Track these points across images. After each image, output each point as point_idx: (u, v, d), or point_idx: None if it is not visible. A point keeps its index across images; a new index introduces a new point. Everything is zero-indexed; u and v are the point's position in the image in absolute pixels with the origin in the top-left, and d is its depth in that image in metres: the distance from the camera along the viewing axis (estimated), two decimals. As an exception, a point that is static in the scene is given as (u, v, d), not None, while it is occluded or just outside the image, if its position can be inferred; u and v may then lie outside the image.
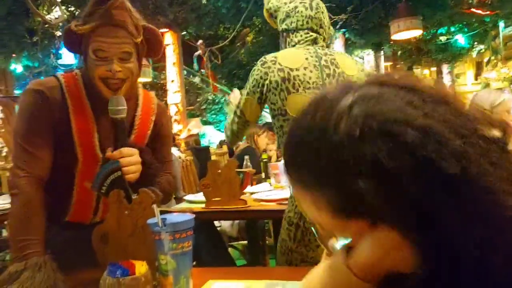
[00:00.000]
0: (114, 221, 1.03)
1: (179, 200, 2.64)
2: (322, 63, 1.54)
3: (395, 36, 6.15)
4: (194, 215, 0.93)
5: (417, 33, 6.31)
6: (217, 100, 11.91)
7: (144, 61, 6.16)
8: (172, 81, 9.12)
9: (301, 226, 1.46)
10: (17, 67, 8.77)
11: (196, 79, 11.81)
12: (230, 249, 3.20)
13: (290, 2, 1.64)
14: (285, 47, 1.64)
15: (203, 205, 2.17)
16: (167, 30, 8.86)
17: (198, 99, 11.93)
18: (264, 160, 3.07)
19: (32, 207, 1.06)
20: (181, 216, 0.92)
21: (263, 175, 3.01)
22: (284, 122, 1.50)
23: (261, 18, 12.75)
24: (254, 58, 14.27)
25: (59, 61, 9.31)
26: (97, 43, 1.09)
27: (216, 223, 3.11)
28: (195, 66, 9.74)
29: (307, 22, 1.59)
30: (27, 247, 1.01)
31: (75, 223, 1.21)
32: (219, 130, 11.61)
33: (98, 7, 1.09)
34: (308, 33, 1.60)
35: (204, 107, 11.89)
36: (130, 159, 1.10)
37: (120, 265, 0.87)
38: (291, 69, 1.49)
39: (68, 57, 9.26)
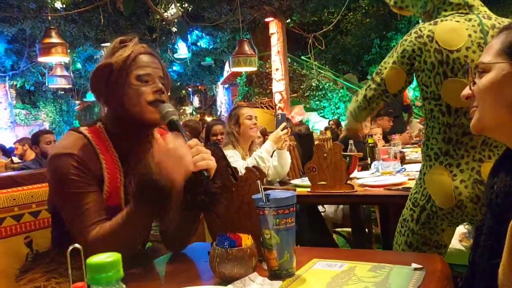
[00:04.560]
0: (223, 197, 1.09)
1: (283, 184, 2.68)
2: (488, 39, 1.33)
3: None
4: (296, 192, 0.94)
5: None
6: (320, 87, 11.77)
7: (250, 51, 6.33)
8: (277, 69, 9.26)
9: (428, 209, 1.42)
10: (139, 63, 9.68)
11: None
12: (335, 236, 3.17)
13: None
14: (430, 18, 1.49)
15: (308, 189, 2.18)
16: (272, 19, 8.99)
17: (302, 86, 11.92)
18: (370, 144, 2.96)
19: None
20: (284, 192, 0.94)
21: (368, 160, 2.91)
22: (435, 107, 1.40)
23: (368, -1, 12.21)
24: (360, 42, 13.79)
25: (175, 55, 10.10)
26: (141, 68, 1.12)
27: (320, 208, 3.10)
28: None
29: None
30: None
31: None
32: (322, 116, 11.49)
33: (122, 45, 1.15)
34: None
35: (307, 94, 11.84)
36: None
37: (228, 236, 0.92)
38: (451, 51, 1.34)
39: (182, 51, 9.99)
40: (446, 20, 1.40)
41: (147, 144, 1.18)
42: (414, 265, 0.92)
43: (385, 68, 1.46)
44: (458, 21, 1.38)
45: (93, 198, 1.06)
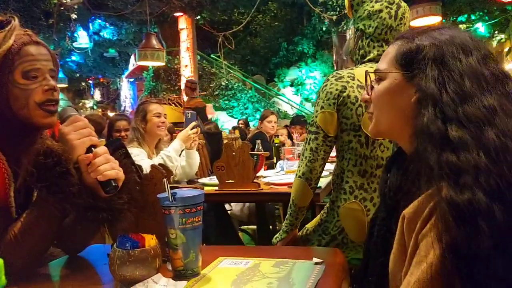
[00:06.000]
0: (130, 212, 1.02)
1: (191, 183, 2.64)
2: None
3: (413, 23, 6.02)
4: (203, 191, 0.92)
5: (436, 19, 6.16)
6: (230, 86, 11.88)
7: (158, 45, 6.13)
8: (186, 66, 9.12)
9: (338, 239, 1.48)
10: (33, 50, 8.86)
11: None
12: (240, 233, 3.21)
13: (376, 2, 1.50)
14: (354, 46, 1.57)
15: (216, 188, 2.18)
16: (182, 14, 8.83)
17: (211, 85, 11.92)
18: (277, 144, 3.06)
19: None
20: (191, 191, 0.92)
21: (274, 159, 3.00)
22: (354, 138, 1.45)
23: (277, 3, 12.62)
24: (269, 44, 14.21)
25: (74, 44, 9.39)
26: (27, 62, 0.96)
27: (227, 206, 3.12)
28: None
29: (385, 33, 1.48)
30: None
31: None
32: (231, 116, 11.60)
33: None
34: (382, 45, 1.49)
35: (216, 92, 11.87)
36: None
37: (130, 237, 0.87)
38: None
39: (83, 40, 9.33)
40: (361, 67, 1.51)
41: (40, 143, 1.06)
42: (315, 260, 0.97)
43: (316, 116, 1.48)
44: (371, 67, 1.47)
45: None
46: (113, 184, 0.94)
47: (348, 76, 1.48)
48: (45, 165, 0.92)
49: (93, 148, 0.96)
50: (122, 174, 0.97)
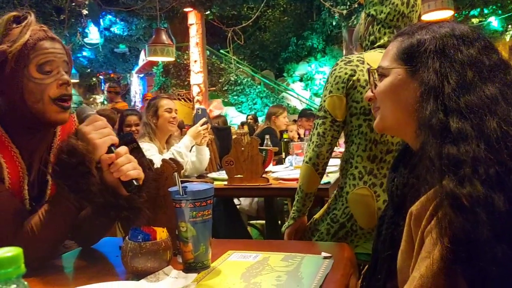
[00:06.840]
0: (148, 209, 1.04)
1: (201, 177, 2.66)
2: None
3: (425, 17, 5.92)
4: (213, 184, 0.94)
5: (448, 14, 6.05)
6: (239, 81, 11.87)
7: (168, 40, 6.14)
8: (195, 61, 9.13)
9: (347, 227, 1.46)
10: (45, 45, 8.97)
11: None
12: (249, 228, 3.23)
13: None
14: (364, 31, 1.55)
15: (225, 183, 2.20)
16: (191, 9, 8.83)
17: (220, 80, 11.93)
18: (285, 139, 3.06)
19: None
20: (202, 185, 0.93)
21: (283, 155, 3.01)
22: (364, 122, 1.44)
23: (286, -3, 12.52)
24: (278, 39, 14.16)
25: (86, 40, 9.47)
26: (42, 56, 0.98)
27: (236, 201, 3.14)
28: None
29: (397, 20, 1.46)
30: None
31: None
32: (240, 111, 11.60)
33: (14, 27, 1.00)
34: (393, 32, 1.47)
35: (225, 88, 11.87)
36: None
37: (142, 230, 0.89)
38: None
39: (94, 35, 9.40)
40: (371, 52, 1.49)
41: (53, 138, 1.08)
42: (323, 254, 0.98)
43: (324, 100, 1.47)
44: (381, 52, 1.46)
45: (6, 197, 0.95)
46: (135, 184, 0.96)
47: (358, 60, 1.46)
48: (69, 164, 0.93)
49: (112, 147, 0.98)
50: (143, 173, 0.99)
